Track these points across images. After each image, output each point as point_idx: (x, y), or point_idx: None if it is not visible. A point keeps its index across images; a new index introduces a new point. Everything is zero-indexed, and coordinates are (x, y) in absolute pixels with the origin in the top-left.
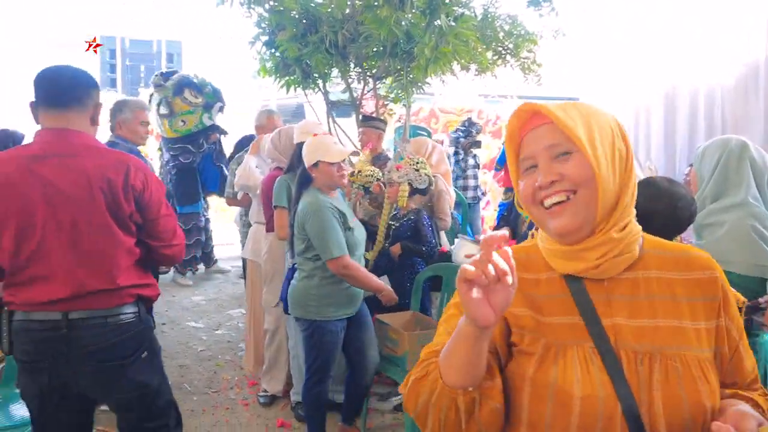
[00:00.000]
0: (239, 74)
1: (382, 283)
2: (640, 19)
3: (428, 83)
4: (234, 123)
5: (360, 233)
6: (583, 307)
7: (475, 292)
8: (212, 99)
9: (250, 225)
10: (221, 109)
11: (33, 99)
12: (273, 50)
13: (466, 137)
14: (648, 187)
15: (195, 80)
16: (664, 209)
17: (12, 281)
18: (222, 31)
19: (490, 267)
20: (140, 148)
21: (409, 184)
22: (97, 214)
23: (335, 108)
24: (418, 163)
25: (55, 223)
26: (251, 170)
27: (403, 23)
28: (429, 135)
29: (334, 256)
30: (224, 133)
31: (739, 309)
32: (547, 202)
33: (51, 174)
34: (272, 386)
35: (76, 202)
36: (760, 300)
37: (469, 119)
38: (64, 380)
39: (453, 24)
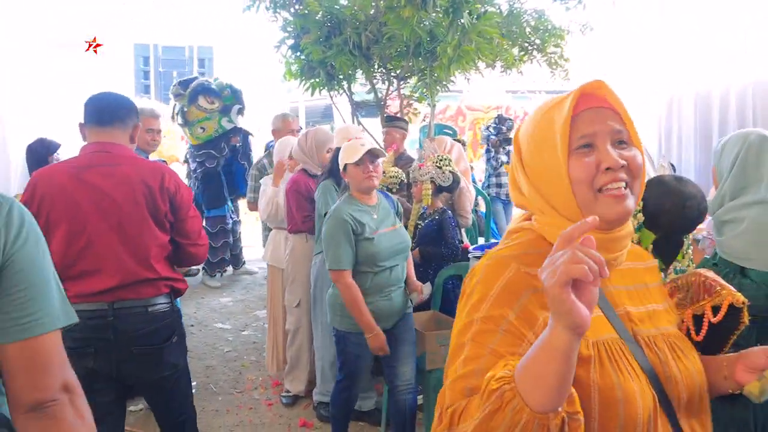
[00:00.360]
0: (269, 77)
1: (373, 323)
2: (670, 14)
3: (453, 81)
4: (264, 125)
5: (389, 242)
6: (599, 300)
7: (573, 295)
8: (231, 101)
9: (270, 229)
10: (240, 111)
11: (82, 120)
12: (298, 53)
13: (497, 134)
14: (657, 185)
15: (212, 85)
16: (671, 208)
17: (62, 276)
18: (250, 35)
19: (590, 261)
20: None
21: (433, 182)
22: (139, 214)
23: (361, 109)
24: (441, 160)
25: (104, 222)
26: (279, 206)
27: (426, 23)
28: (455, 134)
29: (331, 267)
30: (248, 134)
31: (739, 309)
32: (611, 186)
33: (98, 181)
34: (294, 386)
35: (121, 204)
36: None
37: (500, 115)
38: (107, 365)
39: (476, 22)
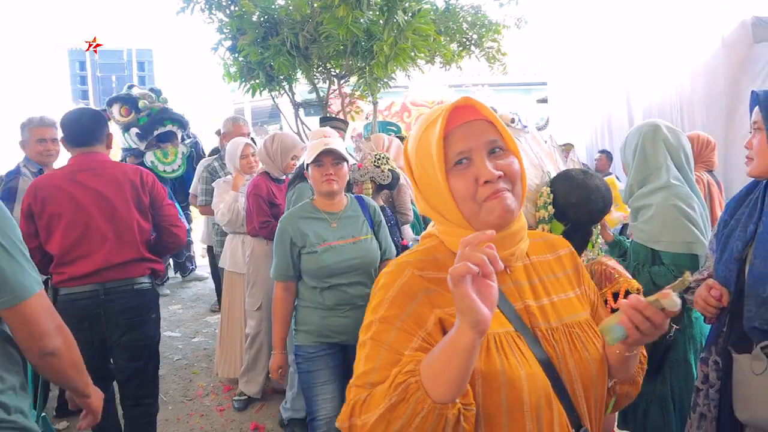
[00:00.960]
0: (211, 79)
1: (282, 344)
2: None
3: (394, 78)
4: (208, 127)
5: (340, 257)
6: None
7: (473, 292)
8: (142, 123)
9: (224, 234)
10: (140, 137)
11: (62, 136)
12: (236, 55)
13: None
14: (563, 180)
15: (141, 100)
16: (578, 200)
17: (61, 261)
18: (190, 36)
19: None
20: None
21: (373, 181)
22: (127, 206)
23: (305, 108)
24: (378, 159)
25: (99, 213)
26: (238, 213)
27: (362, 21)
28: (399, 130)
29: (271, 276)
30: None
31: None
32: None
33: (90, 181)
34: (249, 388)
35: (111, 199)
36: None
37: None
38: (97, 335)
39: (411, 19)
